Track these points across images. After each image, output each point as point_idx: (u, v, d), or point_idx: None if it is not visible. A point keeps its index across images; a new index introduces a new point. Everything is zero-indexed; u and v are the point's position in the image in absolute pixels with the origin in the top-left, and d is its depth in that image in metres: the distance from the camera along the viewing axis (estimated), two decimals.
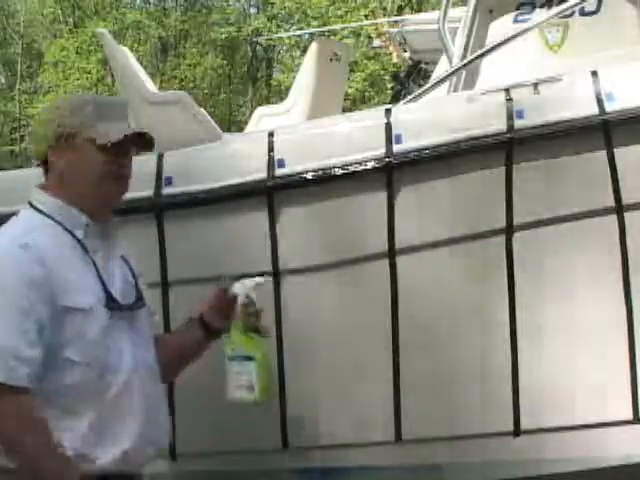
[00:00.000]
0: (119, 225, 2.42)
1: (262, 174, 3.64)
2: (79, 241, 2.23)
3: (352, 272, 3.67)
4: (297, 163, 3.64)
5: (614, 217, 3.52)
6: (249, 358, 2.37)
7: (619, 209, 3.51)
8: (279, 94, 22.20)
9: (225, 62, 28.42)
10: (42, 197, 2.26)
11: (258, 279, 2.49)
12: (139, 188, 3.70)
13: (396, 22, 7.79)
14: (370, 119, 3.80)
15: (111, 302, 2.21)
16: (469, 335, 3.64)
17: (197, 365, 3.68)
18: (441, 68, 4.32)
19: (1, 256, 2.14)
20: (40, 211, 2.24)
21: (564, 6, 3.99)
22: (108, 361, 2.18)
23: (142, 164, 3.88)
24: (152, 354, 2.36)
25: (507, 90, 3.59)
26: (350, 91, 18.91)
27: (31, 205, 2.27)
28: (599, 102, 3.50)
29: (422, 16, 9.02)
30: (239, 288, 2.48)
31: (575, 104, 3.54)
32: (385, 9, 20.47)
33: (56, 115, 2.25)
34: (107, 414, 2.16)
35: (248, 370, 2.37)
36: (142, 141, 2.37)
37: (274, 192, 3.63)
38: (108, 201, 2.34)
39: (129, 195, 3.66)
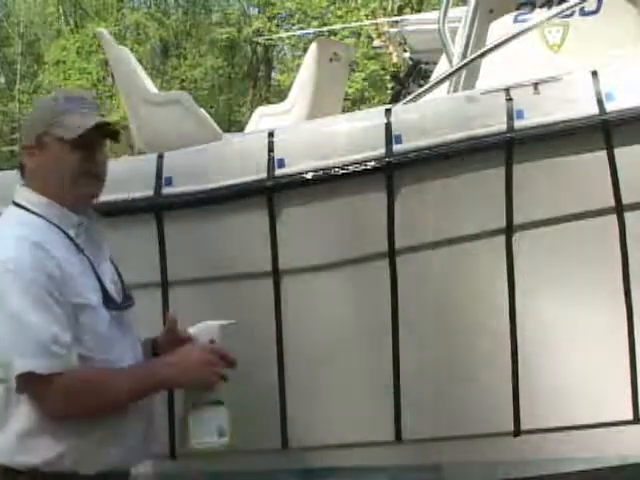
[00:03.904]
0: (106, 225, 2.41)
1: (262, 174, 3.64)
2: (72, 240, 2.22)
3: (352, 272, 3.67)
4: (297, 163, 3.63)
5: (614, 217, 3.52)
6: (219, 402, 2.31)
7: (619, 209, 3.51)
8: (279, 94, 22.18)
9: (225, 62, 28.42)
10: (32, 196, 2.22)
11: (223, 322, 2.42)
12: (139, 188, 3.71)
13: (396, 22, 7.80)
14: (370, 119, 3.80)
15: (108, 300, 2.22)
16: (470, 335, 3.64)
17: None
18: (441, 68, 4.32)
19: (18, 255, 2.09)
20: (29, 210, 2.21)
21: (564, 6, 3.99)
22: (113, 357, 2.19)
23: (142, 164, 3.91)
24: (140, 353, 2.37)
25: (507, 90, 3.59)
26: (350, 91, 18.89)
27: (18, 205, 2.23)
28: (599, 102, 3.50)
29: (422, 16, 9.04)
30: (202, 330, 2.40)
31: (575, 104, 3.54)
32: (385, 9, 20.47)
33: (29, 117, 2.32)
34: (113, 411, 2.16)
35: (219, 415, 2.31)
36: (110, 132, 2.33)
37: (274, 192, 3.63)
38: (85, 197, 2.29)
39: (129, 195, 3.72)
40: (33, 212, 2.20)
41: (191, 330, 2.41)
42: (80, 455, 2.11)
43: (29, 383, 2.04)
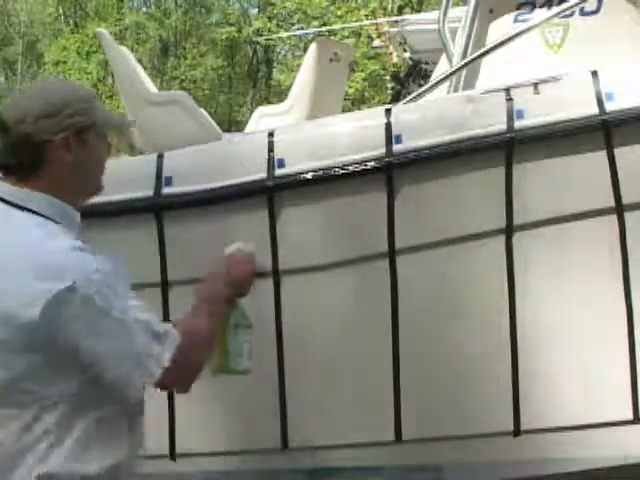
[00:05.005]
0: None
1: (262, 174, 3.64)
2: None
3: (352, 272, 3.67)
4: (297, 163, 3.64)
5: (614, 217, 3.52)
6: (249, 326, 2.27)
7: (619, 209, 3.51)
8: (279, 94, 22.20)
9: (225, 62, 28.44)
10: (40, 197, 1.95)
11: (240, 243, 2.35)
12: (139, 188, 3.72)
13: (396, 22, 7.80)
14: (370, 119, 3.80)
15: None
16: (469, 335, 3.64)
17: None
18: (441, 68, 4.32)
19: (82, 261, 1.86)
20: (36, 213, 1.94)
21: (564, 6, 3.99)
22: None
23: (142, 164, 3.91)
24: None
25: (507, 90, 3.59)
26: (350, 91, 18.90)
27: (16, 205, 1.95)
28: (599, 102, 3.50)
29: (422, 16, 9.03)
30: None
31: (575, 104, 3.54)
32: (385, 9, 20.47)
33: (46, 103, 2.02)
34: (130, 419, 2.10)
35: (250, 338, 2.26)
36: None
37: (274, 192, 3.63)
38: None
39: (129, 195, 3.72)
40: (42, 215, 1.95)
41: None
42: (123, 465, 2.05)
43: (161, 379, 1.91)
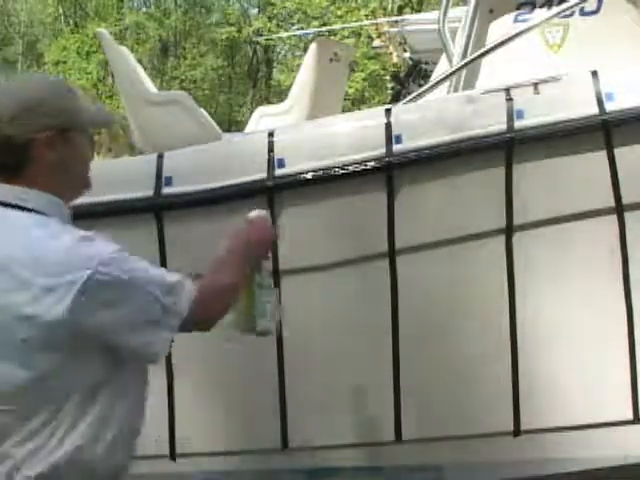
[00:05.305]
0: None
1: (262, 174, 3.64)
2: None
3: (352, 272, 3.67)
4: (297, 163, 3.63)
5: (614, 217, 3.52)
6: (271, 287, 2.30)
7: (619, 209, 3.51)
8: (279, 94, 22.22)
9: (225, 62, 28.46)
10: (39, 195, 1.93)
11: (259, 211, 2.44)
12: (139, 188, 3.71)
13: (396, 22, 7.80)
14: (370, 119, 3.80)
15: None
16: (469, 335, 3.64)
17: (197, 365, 3.69)
18: (441, 68, 4.32)
19: (94, 249, 1.86)
20: (35, 211, 1.92)
21: (564, 6, 3.99)
22: None
23: (142, 164, 3.91)
24: None
25: (507, 90, 3.59)
26: (350, 91, 18.92)
27: (12, 206, 1.92)
28: (599, 102, 3.50)
29: (422, 16, 9.03)
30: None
31: (575, 104, 3.54)
32: (385, 9, 20.48)
33: (29, 102, 1.97)
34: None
35: (271, 299, 2.28)
36: None
37: (274, 192, 3.63)
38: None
39: (129, 195, 3.72)
40: (41, 212, 1.92)
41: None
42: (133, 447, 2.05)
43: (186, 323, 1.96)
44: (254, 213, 2.37)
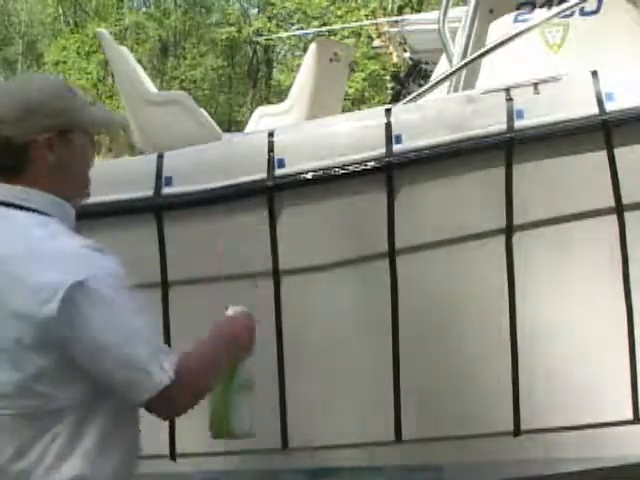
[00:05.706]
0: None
1: (262, 174, 3.64)
2: None
3: (352, 272, 3.67)
4: (297, 163, 3.64)
5: (614, 217, 3.52)
6: (252, 387, 2.15)
7: (619, 209, 3.51)
8: (279, 94, 22.22)
9: (225, 62, 28.47)
10: (42, 196, 1.91)
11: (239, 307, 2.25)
12: (139, 188, 3.71)
13: (396, 22, 7.80)
14: (370, 119, 3.80)
15: None
16: (469, 335, 3.64)
17: None
18: (441, 68, 4.32)
19: (94, 258, 1.84)
20: (38, 212, 1.90)
21: (564, 6, 3.99)
22: None
23: (142, 164, 3.91)
24: None
25: (507, 90, 3.59)
26: (350, 91, 18.92)
27: (13, 205, 1.90)
28: (599, 102, 3.50)
29: (422, 16, 9.04)
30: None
31: (575, 104, 3.54)
32: (385, 9, 20.49)
33: (29, 103, 1.94)
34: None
35: (251, 402, 2.15)
36: None
37: (274, 192, 3.63)
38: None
39: (129, 195, 3.72)
40: (44, 213, 1.91)
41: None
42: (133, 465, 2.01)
43: (163, 391, 1.83)
44: (237, 309, 2.18)
